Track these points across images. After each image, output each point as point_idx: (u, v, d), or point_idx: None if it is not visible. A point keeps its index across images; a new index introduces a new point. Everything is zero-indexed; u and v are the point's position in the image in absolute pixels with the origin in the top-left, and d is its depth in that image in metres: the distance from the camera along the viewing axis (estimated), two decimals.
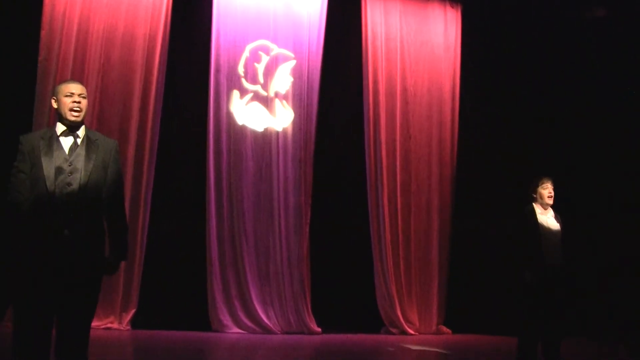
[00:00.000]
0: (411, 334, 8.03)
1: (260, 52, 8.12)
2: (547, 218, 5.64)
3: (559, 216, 5.71)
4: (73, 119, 3.57)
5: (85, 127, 3.66)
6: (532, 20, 8.81)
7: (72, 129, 3.58)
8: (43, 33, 7.21)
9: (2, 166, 3.65)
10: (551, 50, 8.77)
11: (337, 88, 8.49)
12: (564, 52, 8.74)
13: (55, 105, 3.63)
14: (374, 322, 8.12)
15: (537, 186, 5.69)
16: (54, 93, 3.65)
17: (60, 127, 3.59)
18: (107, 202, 3.60)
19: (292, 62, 8.19)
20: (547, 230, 5.57)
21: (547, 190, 5.66)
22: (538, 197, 5.68)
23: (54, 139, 3.54)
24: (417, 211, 8.43)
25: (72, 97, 3.58)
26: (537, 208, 5.66)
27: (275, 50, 8.16)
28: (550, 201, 5.67)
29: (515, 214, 5.79)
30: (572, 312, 6.24)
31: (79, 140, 3.58)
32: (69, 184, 3.46)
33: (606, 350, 7.43)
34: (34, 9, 7.21)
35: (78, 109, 3.58)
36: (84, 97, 3.63)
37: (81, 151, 3.54)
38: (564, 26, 8.80)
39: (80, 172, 3.49)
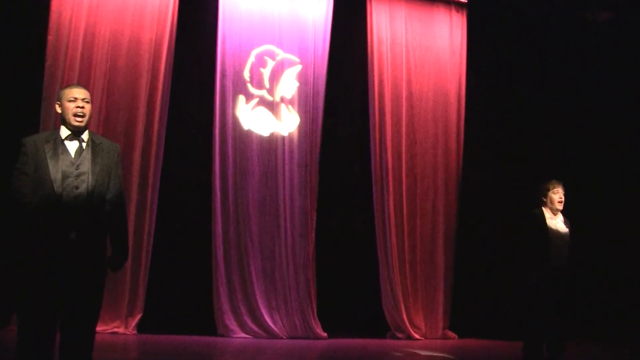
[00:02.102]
0: (417, 339, 8.00)
1: (266, 57, 8.13)
2: (557, 222, 5.60)
3: (568, 221, 5.68)
4: (76, 123, 3.59)
5: (89, 131, 3.67)
6: (537, 25, 8.79)
7: (76, 133, 3.60)
8: (50, 38, 7.24)
9: (9, 171, 3.65)
10: (557, 54, 8.75)
11: (343, 93, 8.49)
12: (570, 56, 8.73)
13: (59, 110, 3.65)
14: (379, 326, 8.09)
15: (548, 190, 5.64)
16: (58, 98, 3.68)
17: (64, 131, 3.60)
18: (110, 204, 3.62)
19: (298, 67, 8.19)
20: (555, 234, 5.54)
21: (557, 195, 5.61)
22: (548, 201, 5.63)
23: (58, 142, 3.55)
24: (422, 216, 8.39)
25: (76, 102, 3.60)
26: (547, 212, 5.62)
27: (281, 55, 8.17)
28: (560, 206, 5.62)
29: (523, 216, 5.76)
30: (577, 314, 6.22)
31: (84, 145, 3.60)
32: (77, 187, 3.47)
33: (610, 352, 7.39)
34: (41, 15, 7.24)
35: (82, 114, 3.60)
36: (87, 102, 3.64)
37: (87, 155, 3.56)
38: (569, 30, 8.78)
39: (87, 176, 3.51)
